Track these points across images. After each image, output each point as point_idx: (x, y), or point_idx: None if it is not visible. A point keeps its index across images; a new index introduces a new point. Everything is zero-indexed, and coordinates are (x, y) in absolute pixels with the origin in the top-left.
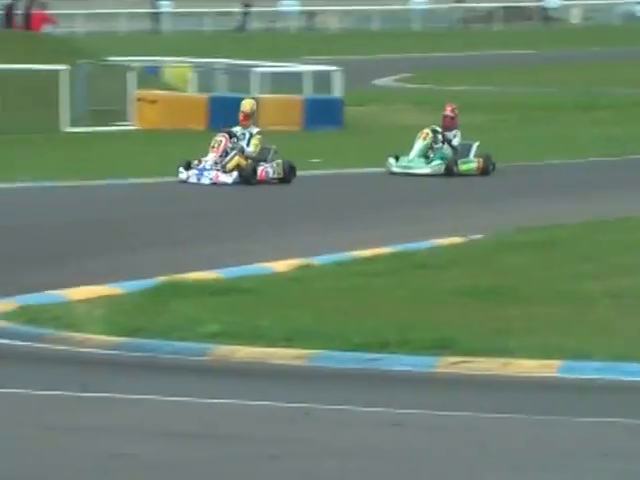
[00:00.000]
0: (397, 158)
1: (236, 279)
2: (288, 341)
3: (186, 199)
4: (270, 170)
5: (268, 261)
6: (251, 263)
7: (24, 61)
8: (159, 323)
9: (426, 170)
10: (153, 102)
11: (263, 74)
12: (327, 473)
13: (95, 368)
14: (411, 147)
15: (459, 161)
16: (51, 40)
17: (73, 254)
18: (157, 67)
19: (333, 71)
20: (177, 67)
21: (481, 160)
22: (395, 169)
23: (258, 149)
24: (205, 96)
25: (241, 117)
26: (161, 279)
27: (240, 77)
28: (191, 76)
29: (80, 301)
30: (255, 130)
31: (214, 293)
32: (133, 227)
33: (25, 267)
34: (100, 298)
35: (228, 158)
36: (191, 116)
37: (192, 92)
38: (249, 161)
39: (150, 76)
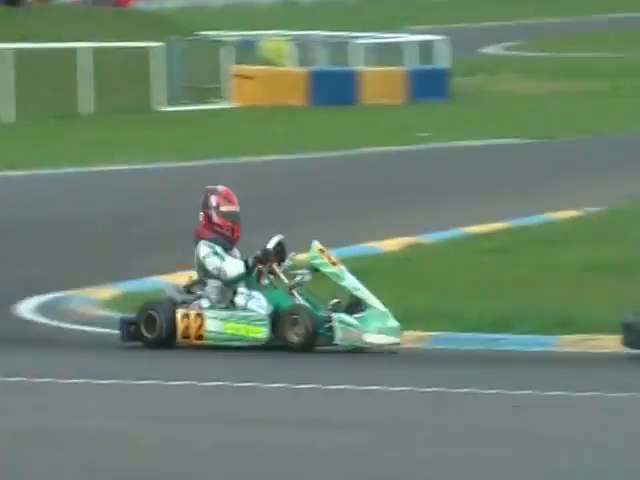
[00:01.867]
0: None
1: (346, 259)
2: (404, 322)
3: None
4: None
5: (377, 240)
6: (360, 242)
7: (115, 38)
8: None
9: None
10: (250, 78)
11: (365, 46)
12: (452, 458)
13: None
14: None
15: None
16: (142, 16)
17: (173, 239)
18: (253, 41)
19: (438, 40)
20: (274, 41)
21: None
22: None
23: None
24: (305, 70)
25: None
26: None
27: (340, 50)
28: (289, 50)
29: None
30: None
31: None
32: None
33: (125, 254)
34: None
35: None
36: (291, 92)
37: (291, 66)
38: None
39: (246, 51)
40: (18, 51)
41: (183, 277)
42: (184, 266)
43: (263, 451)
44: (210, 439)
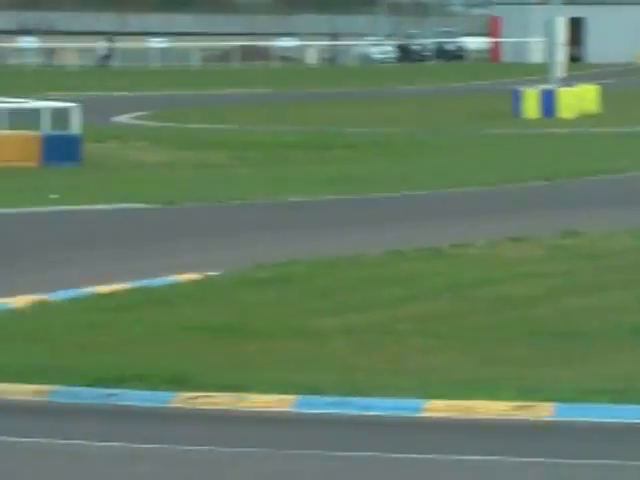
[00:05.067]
0: None
1: None
2: (25, 376)
3: None
4: None
5: (3, 297)
6: None
7: None
8: None
9: None
10: None
11: (1, 110)
12: None
13: None
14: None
15: None
16: None
17: None
18: None
19: (71, 107)
20: None
21: None
22: None
23: None
24: None
25: None
26: None
27: None
28: None
29: None
30: None
31: None
32: None
33: None
34: None
35: None
36: None
37: None
38: None
39: None
40: None
41: None
42: None
43: None
44: None
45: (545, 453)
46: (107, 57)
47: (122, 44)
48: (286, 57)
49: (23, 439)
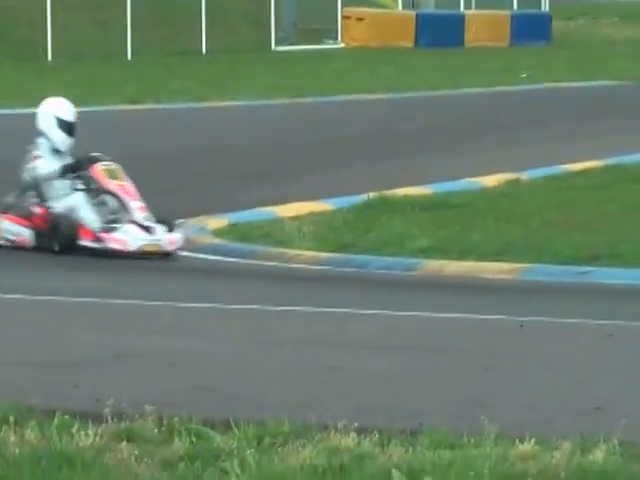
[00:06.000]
0: None
1: (445, 194)
2: (498, 255)
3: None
4: None
5: (477, 176)
6: (460, 178)
7: None
8: (369, 239)
9: None
10: (360, 20)
11: None
12: (542, 385)
13: (305, 283)
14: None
15: None
16: None
17: (284, 172)
18: None
19: None
20: None
21: None
22: None
23: None
24: (412, 13)
25: None
26: (371, 195)
27: None
28: None
29: (290, 218)
30: None
31: (424, 208)
32: (341, 146)
33: (237, 185)
34: (310, 214)
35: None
36: (399, 33)
37: (400, 9)
38: None
39: None
40: None
41: (295, 208)
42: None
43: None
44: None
45: None
46: None
47: None
48: None
49: (495, 317)
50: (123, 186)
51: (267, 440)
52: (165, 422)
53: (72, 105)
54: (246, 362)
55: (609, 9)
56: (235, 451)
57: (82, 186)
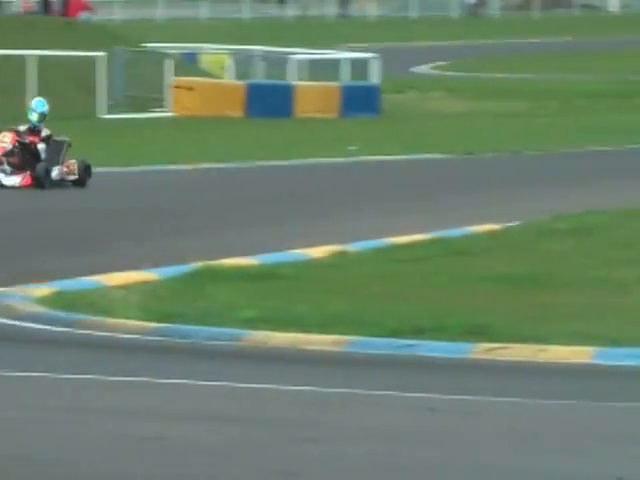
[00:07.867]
0: None
1: (272, 265)
2: (324, 327)
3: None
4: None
5: (303, 247)
6: (287, 249)
7: (62, 48)
8: (195, 308)
9: None
10: (190, 89)
11: (300, 61)
12: (362, 457)
13: (129, 353)
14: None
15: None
16: (88, 27)
17: (107, 240)
18: (194, 54)
19: (370, 58)
20: (214, 54)
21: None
22: None
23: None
24: (242, 83)
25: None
26: (197, 264)
27: (277, 64)
28: (229, 63)
29: (116, 287)
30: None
31: (250, 279)
32: (168, 214)
33: (60, 253)
34: (136, 284)
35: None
36: (228, 103)
37: (229, 79)
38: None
39: (188, 63)
40: None
41: (122, 277)
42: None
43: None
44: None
45: None
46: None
47: None
48: (587, 5)
49: (324, 389)
50: None
51: None
52: None
53: None
54: (61, 431)
55: (437, 84)
56: None
57: None
